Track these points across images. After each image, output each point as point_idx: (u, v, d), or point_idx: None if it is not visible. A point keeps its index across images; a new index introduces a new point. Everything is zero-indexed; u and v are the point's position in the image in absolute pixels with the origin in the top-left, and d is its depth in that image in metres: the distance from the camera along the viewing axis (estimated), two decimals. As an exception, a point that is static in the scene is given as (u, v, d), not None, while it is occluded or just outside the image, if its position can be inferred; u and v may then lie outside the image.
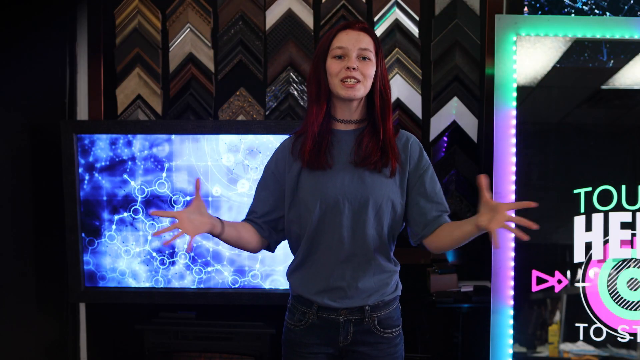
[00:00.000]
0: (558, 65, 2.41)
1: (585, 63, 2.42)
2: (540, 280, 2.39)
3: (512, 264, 2.38)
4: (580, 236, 2.38)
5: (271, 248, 1.83)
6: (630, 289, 2.38)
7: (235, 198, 2.52)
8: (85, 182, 2.56)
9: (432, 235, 1.71)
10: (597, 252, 2.38)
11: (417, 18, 2.75)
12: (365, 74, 1.64)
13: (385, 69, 1.72)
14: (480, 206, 1.55)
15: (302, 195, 1.68)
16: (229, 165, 2.52)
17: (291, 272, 1.76)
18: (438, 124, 2.76)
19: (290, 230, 1.74)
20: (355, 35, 1.65)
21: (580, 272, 2.39)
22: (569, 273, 2.39)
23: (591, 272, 2.39)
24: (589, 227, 2.38)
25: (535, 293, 2.41)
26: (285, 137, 1.80)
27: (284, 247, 1.83)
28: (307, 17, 2.77)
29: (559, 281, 2.38)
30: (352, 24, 1.67)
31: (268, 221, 1.76)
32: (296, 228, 1.72)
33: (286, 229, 1.76)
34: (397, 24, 2.74)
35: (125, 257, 2.59)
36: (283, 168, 1.74)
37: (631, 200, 2.37)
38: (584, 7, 2.70)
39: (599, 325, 2.39)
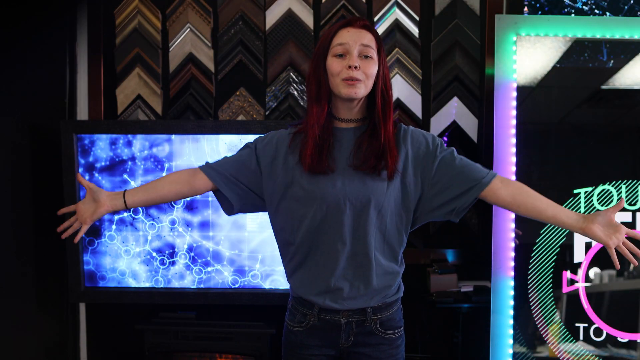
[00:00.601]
0: (558, 65, 2.41)
1: (585, 63, 2.42)
2: (571, 282, 2.39)
3: (512, 264, 2.38)
4: (580, 236, 2.38)
5: (223, 205, 1.76)
6: (630, 289, 2.38)
7: (235, 198, 2.52)
8: (85, 182, 2.56)
9: (503, 195, 1.66)
10: (597, 252, 2.38)
11: (417, 18, 2.75)
12: (367, 73, 1.59)
13: (387, 68, 1.67)
14: (600, 215, 1.60)
15: (301, 194, 1.64)
16: (229, 165, 2.52)
17: (292, 273, 1.74)
18: (438, 124, 2.76)
19: (284, 226, 1.70)
20: (357, 32, 1.60)
21: (580, 272, 2.39)
22: (568, 273, 2.39)
23: (591, 272, 2.39)
24: (589, 227, 2.38)
25: (536, 293, 2.41)
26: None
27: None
28: (307, 17, 2.77)
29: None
30: (354, 21, 1.62)
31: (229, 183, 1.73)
32: (288, 225, 1.67)
33: (276, 223, 1.72)
34: (397, 24, 2.74)
35: (125, 257, 2.59)
36: (269, 161, 1.70)
37: (631, 200, 2.38)
38: (584, 7, 2.70)
39: (599, 325, 2.39)
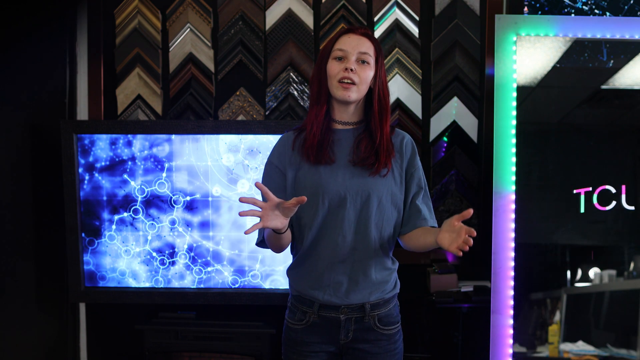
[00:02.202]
0: (558, 65, 2.41)
1: (585, 63, 2.42)
2: (571, 282, 2.39)
3: (512, 264, 2.38)
4: (579, 236, 2.38)
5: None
6: (630, 289, 2.38)
7: (235, 198, 2.52)
8: (85, 182, 2.56)
9: (407, 235, 1.76)
10: (597, 252, 2.38)
11: (417, 18, 2.75)
12: (362, 77, 1.67)
13: (385, 74, 1.75)
14: (446, 224, 1.55)
15: (304, 191, 1.68)
16: (229, 165, 2.52)
17: (292, 268, 1.78)
18: (438, 124, 2.76)
19: (293, 223, 1.74)
20: (356, 40, 1.69)
21: (580, 272, 2.39)
22: (568, 273, 2.39)
23: (591, 272, 2.39)
24: (589, 227, 2.38)
25: (536, 293, 2.41)
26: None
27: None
28: (307, 17, 2.77)
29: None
30: (355, 29, 1.73)
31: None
32: (295, 223, 1.73)
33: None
34: (397, 24, 2.74)
35: (125, 257, 2.59)
36: (284, 163, 1.75)
37: (631, 200, 2.37)
38: (584, 7, 2.70)
39: (598, 325, 2.39)
